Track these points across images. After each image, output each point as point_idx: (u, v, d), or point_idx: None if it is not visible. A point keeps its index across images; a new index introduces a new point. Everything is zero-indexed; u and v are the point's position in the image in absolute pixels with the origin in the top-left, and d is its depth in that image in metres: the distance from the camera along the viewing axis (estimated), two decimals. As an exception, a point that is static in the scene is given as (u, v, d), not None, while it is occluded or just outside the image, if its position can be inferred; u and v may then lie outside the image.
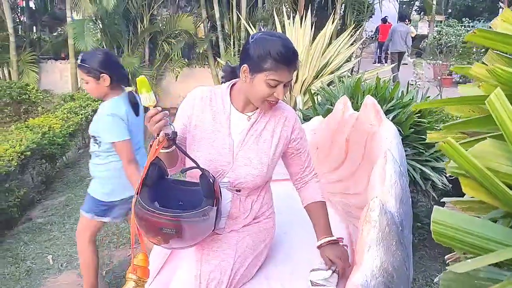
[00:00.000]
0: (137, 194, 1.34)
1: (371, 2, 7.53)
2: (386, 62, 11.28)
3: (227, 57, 6.80)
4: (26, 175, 4.00)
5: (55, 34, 8.71)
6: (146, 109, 1.40)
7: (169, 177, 1.50)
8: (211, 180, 1.37)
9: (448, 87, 8.81)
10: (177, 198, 1.43)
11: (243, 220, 1.59)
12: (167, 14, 7.13)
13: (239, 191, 1.54)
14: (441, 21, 17.87)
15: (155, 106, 1.35)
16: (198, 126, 1.53)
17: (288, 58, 1.38)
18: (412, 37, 15.74)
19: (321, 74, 5.13)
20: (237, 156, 1.50)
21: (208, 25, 7.25)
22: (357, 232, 1.69)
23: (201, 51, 7.11)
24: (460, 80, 9.88)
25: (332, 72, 5.10)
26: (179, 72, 7.08)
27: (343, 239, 1.60)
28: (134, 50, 6.89)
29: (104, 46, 6.86)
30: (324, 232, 1.57)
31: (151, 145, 1.35)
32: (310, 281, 1.47)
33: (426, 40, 17.82)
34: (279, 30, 5.23)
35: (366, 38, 10.85)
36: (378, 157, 1.48)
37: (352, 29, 5.89)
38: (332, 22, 5.20)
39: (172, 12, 7.32)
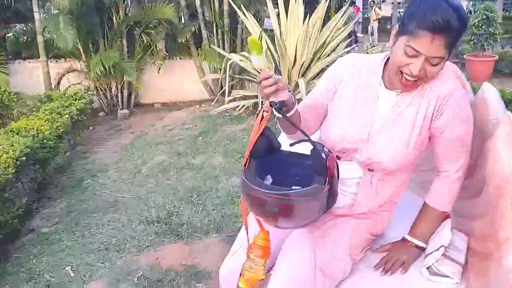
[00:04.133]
0: (244, 167, 1.23)
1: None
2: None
3: (208, 47, 6.53)
4: (18, 182, 3.67)
5: (20, 32, 8.12)
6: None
7: (282, 149, 1.35)
8: (323, 155, 1.19)
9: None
10: (293, 172, 1.33)
11: (366, 204, 1.42)
12: (143, 3, 6.75)
13: (372, 170, 1.37)
14: (399, 3, 18.15)
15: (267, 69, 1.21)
16: (342, 95, 1.38)
17: (433, 24, 1.13)
18: (378, 19, 16.04)
19: (318, 57, 5.00)
20: (374, 134, 1.33)
21: (188, 13, 6.94)
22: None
23: (182, 42, 6.80)
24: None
25: (328, 55, 4.97)
26: (161, 65, 6.76)
27: (449, 214, 1.44)
28: (111, 44, 6.51)
29: (79, 42, 6.45)
30: (415, 232, 1.44)
31: (257, 114, 1.22)
32: (427, 268, 1.31)
33: (392, 22, 18.14)
34: (271, 11, 5.04)
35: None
36: (486, 125, 1.34)
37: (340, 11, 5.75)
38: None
39: (148, 1, 6.96)
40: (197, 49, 6.75)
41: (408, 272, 1.35)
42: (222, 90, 5.81)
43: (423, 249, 1.41)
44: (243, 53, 5.27)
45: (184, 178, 3.92)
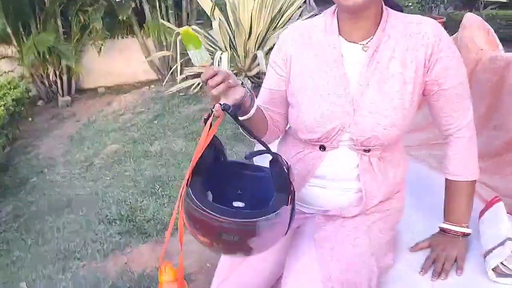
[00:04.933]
0: (186, 185, 0.99)
1: None
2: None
3: (154, 22, 6.08)
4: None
5: None
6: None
7: (226, 159, 1.14)
8: (285, 168, 1.04)
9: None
10: (234, 185, 1.14)
11: (376, 194, 1.18)
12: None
13: (368, 151, 1.14)
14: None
15: (210, 65, 0.98)
16: (300, 72, 1.17)
17: None
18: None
19: (274, 26, 4.75)
20: (358, 102, 1.10)
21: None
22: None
23: (123, 19, 6.27)
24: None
25: (286, 23, 4.74)
26: (102, 45, 6.23)
27: (498, 197, 1.25)
28: (45, 25, 5.89)
29: (7, 26, 5.79)
30: (453, 218, 1.21)
31: (205, 120, 0.99)
32: (492, 269, 1.09)
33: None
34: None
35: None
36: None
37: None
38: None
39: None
40: (140, 26, 6.27)
41: (466, 274, 1.12)
42: (172, 69, 5.43)
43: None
44: (193, 26, 4.90)
45: (143, 167, 3.59)
